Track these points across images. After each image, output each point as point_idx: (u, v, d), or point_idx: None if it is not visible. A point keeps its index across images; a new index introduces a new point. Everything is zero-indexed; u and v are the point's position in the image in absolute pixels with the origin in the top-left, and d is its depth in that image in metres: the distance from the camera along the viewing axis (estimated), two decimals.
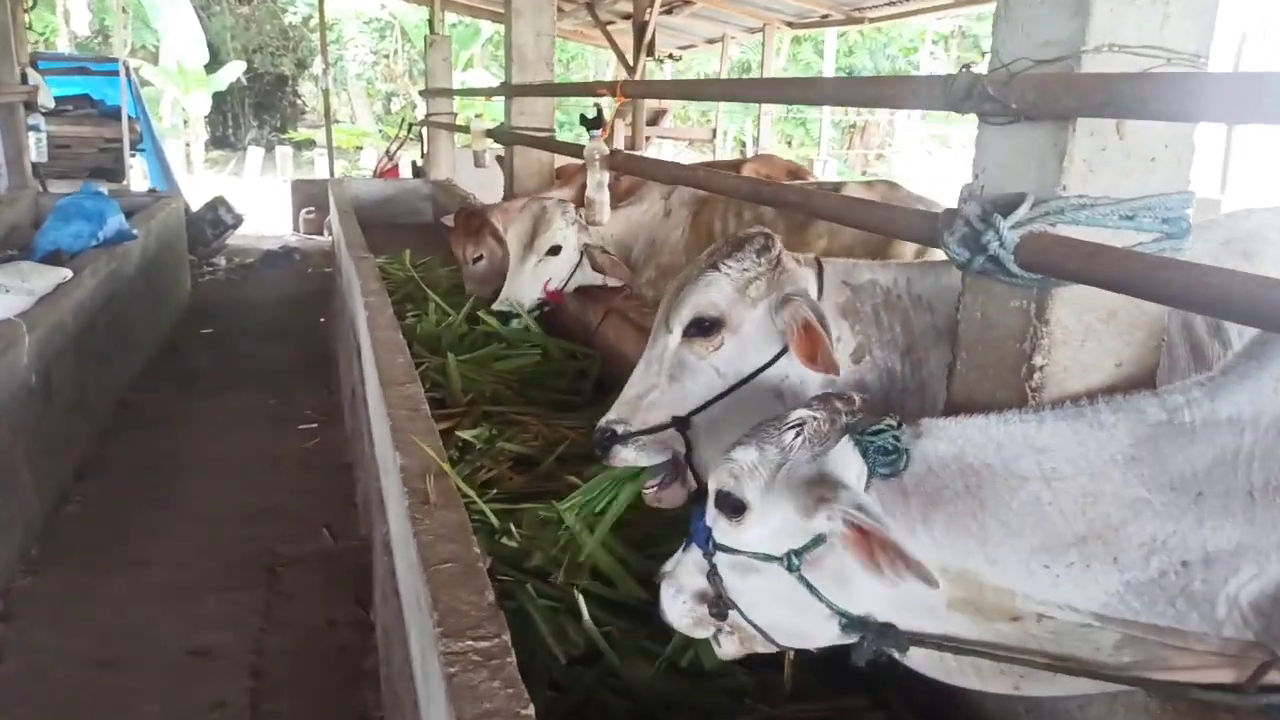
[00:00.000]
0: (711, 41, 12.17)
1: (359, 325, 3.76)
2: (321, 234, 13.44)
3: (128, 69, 11.82)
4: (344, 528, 4.26)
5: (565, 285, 3.96)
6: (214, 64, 22.66)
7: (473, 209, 4.95)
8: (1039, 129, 1.43)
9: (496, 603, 1.51)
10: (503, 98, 5.32)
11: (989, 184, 1.53)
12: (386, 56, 25.46)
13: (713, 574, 1.52)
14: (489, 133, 5.46)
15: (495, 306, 3.98)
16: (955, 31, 27.64)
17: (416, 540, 1.70)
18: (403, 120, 13.24)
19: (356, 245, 5.03)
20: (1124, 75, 1.32)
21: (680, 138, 12.32)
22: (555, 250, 3.86)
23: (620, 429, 2.09)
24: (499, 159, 5.80)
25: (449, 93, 8.65)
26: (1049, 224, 1.41)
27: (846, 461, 1.40)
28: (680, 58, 11.86)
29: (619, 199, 5.29)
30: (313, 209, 13.68)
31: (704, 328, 1.99)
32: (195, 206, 11.98)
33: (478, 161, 5.62)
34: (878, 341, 1.98)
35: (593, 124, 12.32)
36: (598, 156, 3.21)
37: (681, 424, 2.05)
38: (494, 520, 2.32)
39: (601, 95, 3.54)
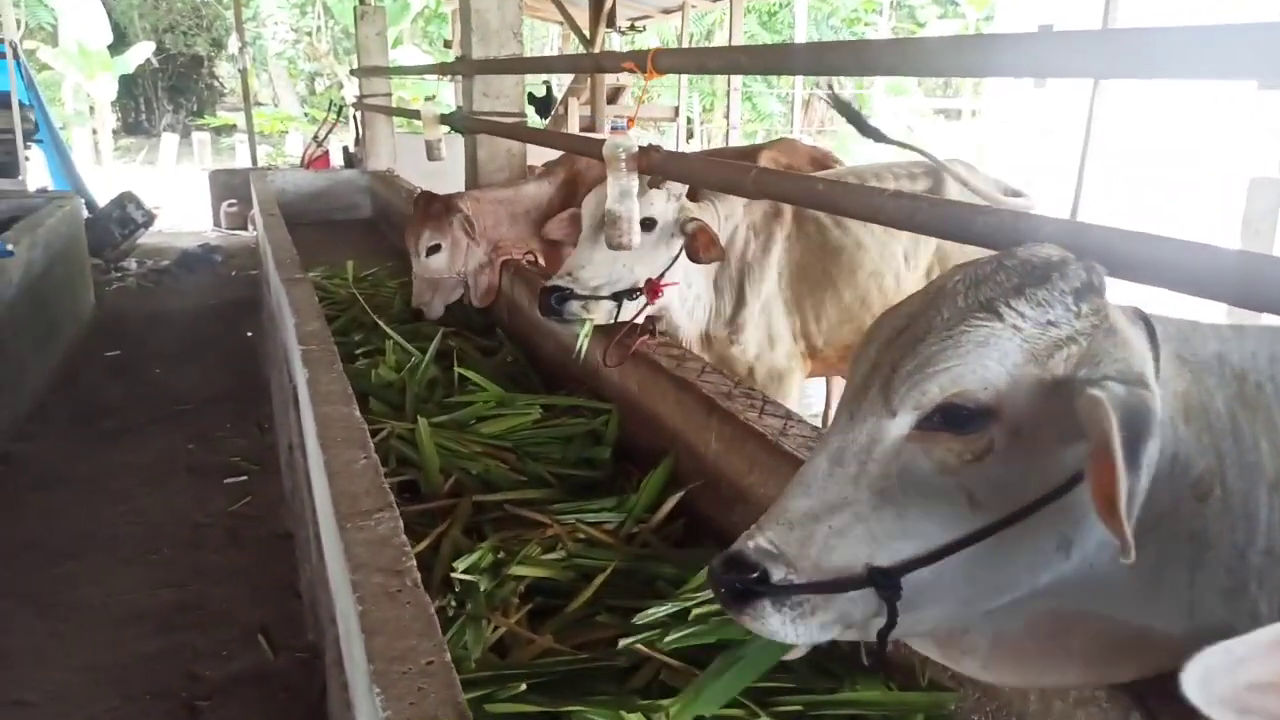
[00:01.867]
0: (668, 12, 11.25)
1: (299, 383, 2.84)
2: (246, 229, 12.26)
3: (15, 50, 10.47)
4: (285, 629, 3.33)
5: (662, 277, 2.82)
6: (120, 45, 20.98)
7: (435, 195, 4.04)
8: None
9: None
10: (452, 77, 4.40)
11: None
12: (309, 34, 23.92)
13: None
14: (444, 119, 4.52)
15: (553, 281, 2.84)
16: (894, 1, 27.08)
17: None
18: (330, 102, 12.08)
19: (287, 263, 4.06)
20: None
21: (643, 118, 11.33)
22: (649, 225, 2.77)
23: (779, 574, 1.14)
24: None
25: (386, 71, 7.62)
26: None
27: None
28: (644, 29, 10.84)
29: (569, 195, 4.34)
30: (235, 201, 12.48)
31: (960, 419, 1.12)
32: (103, 202, 10.78)
33: (432, 153, 4.68)
34: (1235, 465, 1.12)
35: (542, 106, 11.32)
36: (624, 155, 2.32)
37: (886, 580, 1.13)
38: None
39: (625, 69, 2.64)
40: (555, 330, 3.49)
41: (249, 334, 7.07)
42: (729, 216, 2.94)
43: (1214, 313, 1.18)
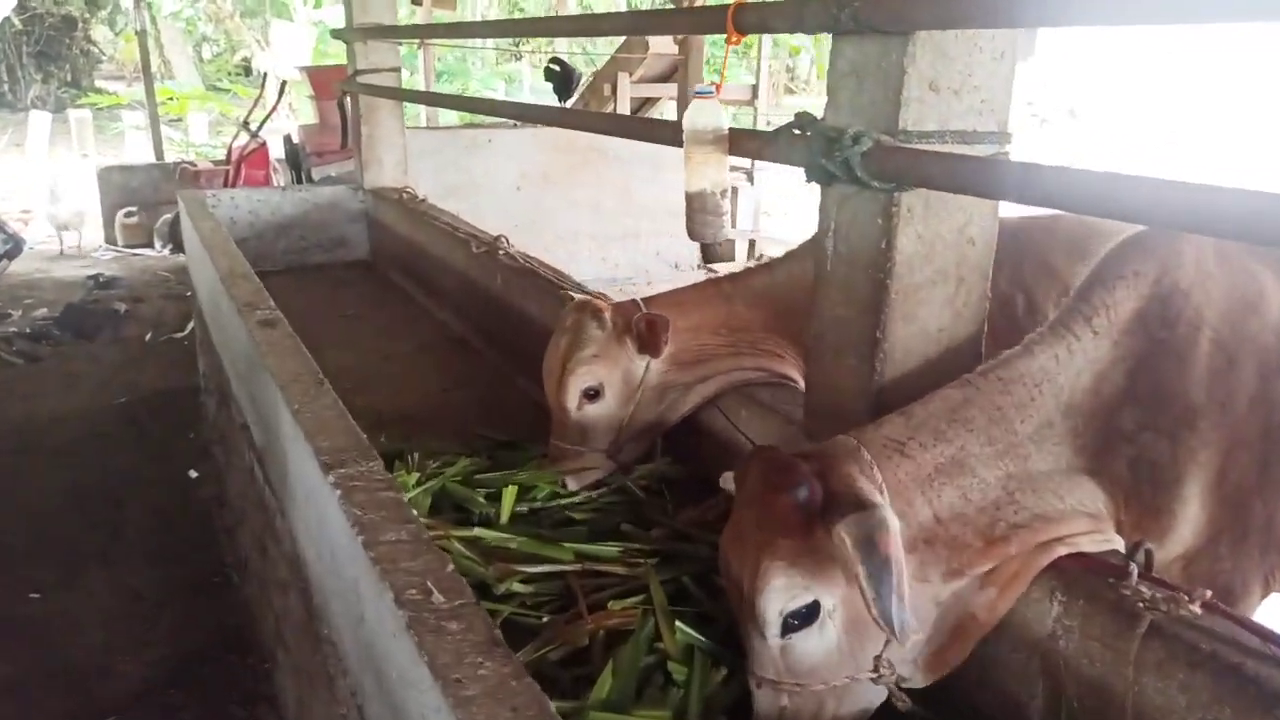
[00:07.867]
0: None
1: None
2: (152, 247, 9.10)
3: None
4: None
5: None
6: None
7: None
8: None
9: None
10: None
11: None
12: None
13: None
14: (772, 140, 1.77)
15: None
16: None
17: None
18: (266, 76, 8.95)
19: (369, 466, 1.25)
20: None
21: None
22: None
23: None
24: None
25: (402, 32, 4.72)
26: None
27: None
28: None
29: None
30: (134, 210, 9.28)
31: None
32: None
33: (705, 226, 1.90)
34: None
35: (560, 84, 8.17)
36: None
37: None
38: None
39: None
40: None
41: (191, 474, 4.21)
42: None
43: None
